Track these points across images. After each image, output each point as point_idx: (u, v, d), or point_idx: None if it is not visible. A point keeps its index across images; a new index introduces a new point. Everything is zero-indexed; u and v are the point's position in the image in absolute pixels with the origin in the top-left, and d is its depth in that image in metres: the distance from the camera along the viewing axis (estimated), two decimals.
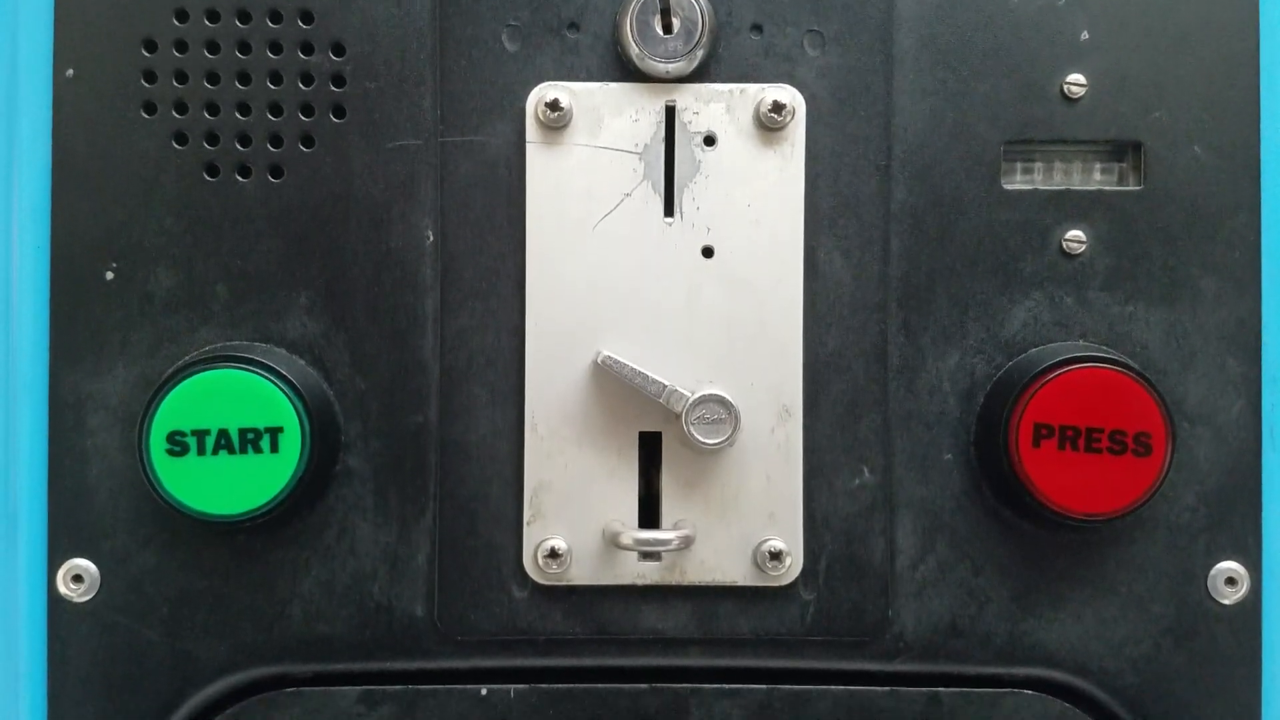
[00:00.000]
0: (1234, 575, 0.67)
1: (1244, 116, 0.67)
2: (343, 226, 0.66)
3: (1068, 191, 0.67)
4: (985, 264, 0.67)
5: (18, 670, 0.66)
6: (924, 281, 0.67)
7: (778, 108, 0.66)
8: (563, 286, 0.66)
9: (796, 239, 0.67)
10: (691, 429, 0.65)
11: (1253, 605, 0.67)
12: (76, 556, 0.66)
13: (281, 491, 0.63)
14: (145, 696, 0.66)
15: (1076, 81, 0.67)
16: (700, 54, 0.66)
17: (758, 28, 0.67)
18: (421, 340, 0.66)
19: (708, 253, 0.66)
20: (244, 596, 0.66)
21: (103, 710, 0.66)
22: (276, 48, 0.66)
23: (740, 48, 0.67)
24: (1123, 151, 0.68)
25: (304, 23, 0.66)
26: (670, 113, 0.67)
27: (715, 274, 0.66)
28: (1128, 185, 0.68)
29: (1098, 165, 0.69)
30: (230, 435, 0.63)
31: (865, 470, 0.67)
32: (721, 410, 0.65)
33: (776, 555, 0.66)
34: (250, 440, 0.63)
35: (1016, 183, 0.68)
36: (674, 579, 0.67)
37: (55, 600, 0.66)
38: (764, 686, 0.67)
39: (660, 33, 0.65)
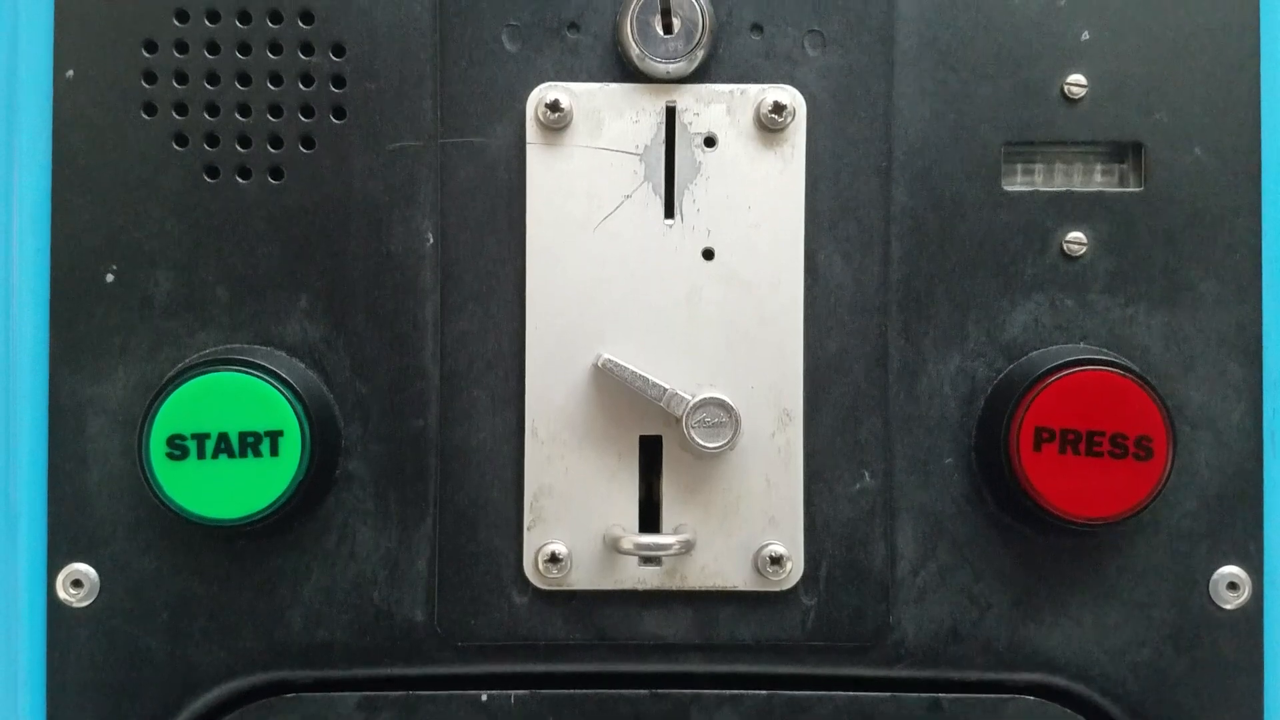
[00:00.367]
0: (1236, 580, 0.67)
1: (1245, 118, 0.67)
2: (343, 229, 0.66)
3: (1068, 193, 0.67)
4: (986, 266, 0.67)
5: (17, 675, 0.66)
6: (924, 284, 0.67)
7: (778, 109, 0.66)
8: (563, 289, 0.66)
9: (797, 241, 0.66)
10: (692, 433, 0.64)
11: (1254, 610, 0.67)
12: (76, 561, 0.66)
13: (281, 496, 0.63)
14: (145, 702, 0.66)
15: (1077, 82, 0.67)
16: (700, 54, 0.66)
17: (758, 28, 0.67)
18: (422, 344, 0.66)
19: (708, 255, 0.66)
20: (244, 601, 0.66)
21: (102, 716, 0.66)
22: (276, 48, 0.66)
23: (741, 48, 0.67)
24: (1123, 153, 0.68)
25: (304, 23, 0.66)
26: (670, 114, 0.66)
27: (716, 276, 0.66)
28: (1128, 187, 0.68)
29: (1098, 167, 0.69)
30: (230, 439, 0.63)
31: (866, 474, 0.67)
32: (722, 414, 0.65)
33: (777, 560, 0.66)
34: (250, 444, 0.63)
35: (1017, 184, 0.68)
36: (674, 584, 0.67)
37: (55, 605, 0.66)
38: (764, 692, 0.67)
39: (660, 33, 0.65)
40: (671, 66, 0.65)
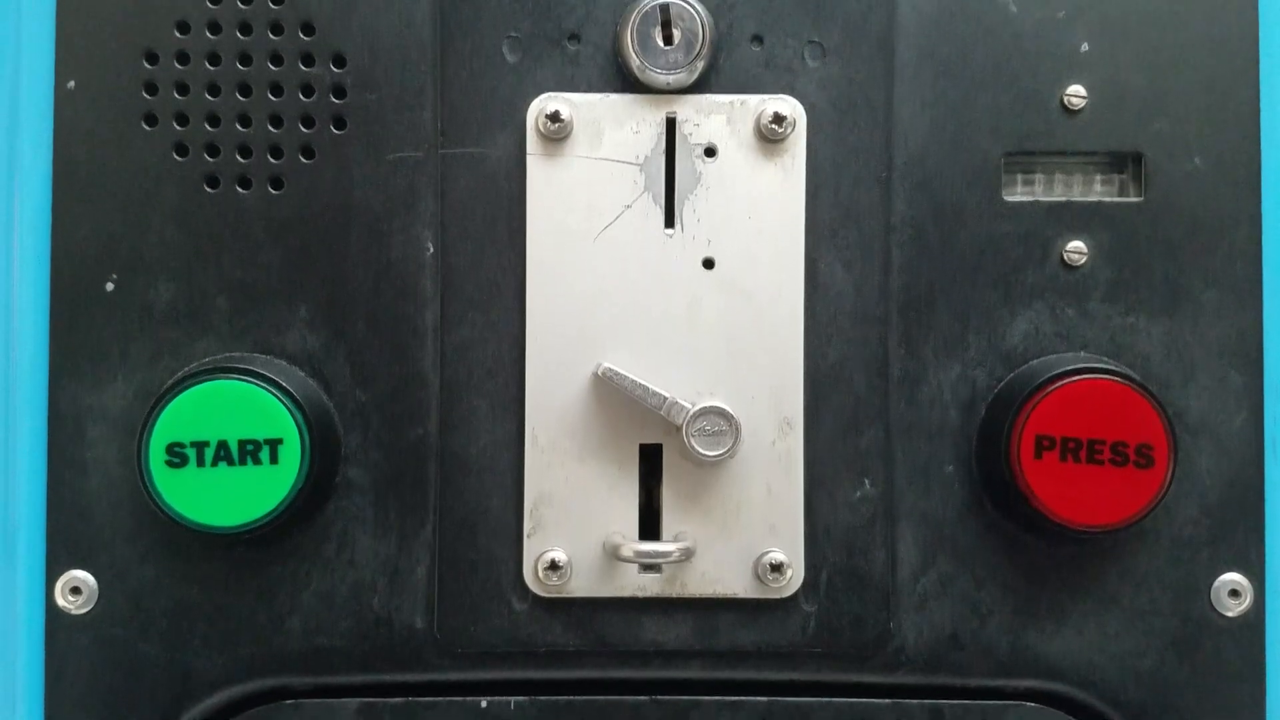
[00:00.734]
0: (1237, 588, 0.67)
1: (1244, 128, 0.67)
2: (343, 238, 0.66)
3: (1068, 203, 0.67)
4: (986, 275, 0.67)
5: (15, 682, 0.66)
6: (925, 293, 0.67)
7: (778, 119, 0.66)
8: (563, 298, 0.66)
9: (797, 250, 0.67)
10: (692, 441, 0.64)
11: (1256, 618, 0.67)
12: (75, 568, 0.66)
13: (281, 503, 0.63)
14: (143, 709, 0.66)
15: (1077, 93, 0.67)
16: (701, 65, 0.66)
17: (758, 39, 0.67)
18: (422, 352, 0.66)
19: (708, 264, 0.66)
20: (243, 608, 0.66)
21: None
22: (277, 59, 0.67)
23: (741, 59, 0.67)
24: (1123, 163, 0.68)
25: (305, 34, 0.66)
26: (671, 124, 0.67)
27: (716, 285, 0.66)
28: (1128, 196, 0.68)
29: (1098, 177, 0.69)
30: (230, 447, 0.63)
31: (866, 482, 0.67)
32: (722, 422, 0.65)
33: (777, 567, 0.66)
34: (250, 452, 0.63)
35: (1017, 194, 0.68)
36: (674, 591, 0.66)
37: (53, 612, 0.66)
38: (765, 699, 0.67)
39: (661, 44, 0.66)
40: (672, 77, 0.66)
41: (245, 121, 0.66)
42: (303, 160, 0.66)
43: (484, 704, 0.66)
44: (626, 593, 0.66)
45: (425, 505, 0.66)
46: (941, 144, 0.67)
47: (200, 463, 0.62)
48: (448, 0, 0.66)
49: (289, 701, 0.66)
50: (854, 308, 0.67)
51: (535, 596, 0.66)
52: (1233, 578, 0.67)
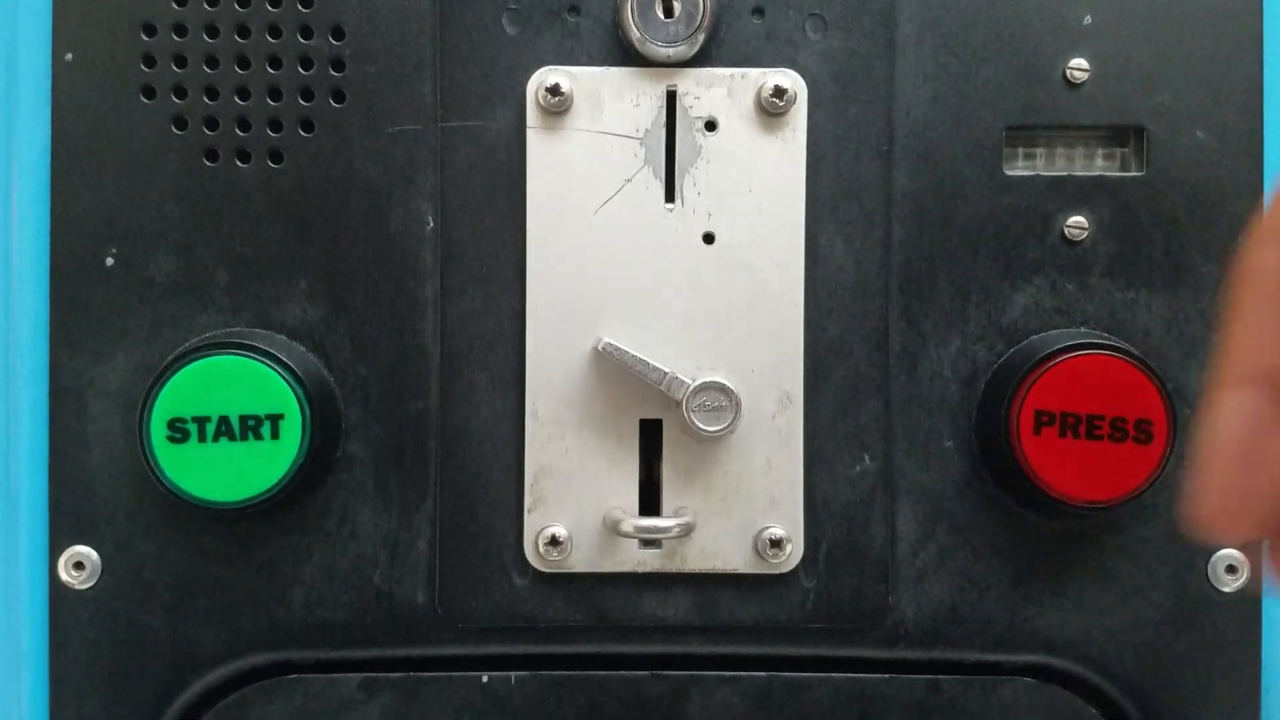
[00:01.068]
0: (1234, 563, 0.67)
1: (1247, 101, 0.67)
2: (343, 212, 0.66)
3: (1070, 177, 0.67)
4: (987, 250, 0.67)
5: (19, 657, 0.66)
6: (925, 267, 0.67)
7: (779, 92, 0.65)
8: (563, 272, 0.66)
9: (798, 224, 0.66)
10: (692, 416, 0.64)
11: (1253, 593, 0.67)
12: (77, 543, 0.66)
13: (282, 478, 0.63)
14: (146, 683, 0.66)
15: (1079, 66, 0.67)
16: (701, 38, 0.66)
17: (759, 11, 0.66)
18: (422, 326, 0.66)
19: (709, 238, 0.66)
20: (245, 583, 0.66)
21: (104, 697, 0.66)
22: (276, 31, 0.66)
23: (742, 32, 0.67)
24: (1125, 136, 0.68)
25: (303, 6, 0.66)
26: (671, 97, 0.66)
27: (716, 260, 0.66)
28: (1130, 171, 0.68)
29: (1100, 150, 0.68)
30: (231, 422, 0.63)
31: (866, 457, 0.67)
32: (722, 397, 0.65)
33: (777, 542, 0.66)
34: (251, 427, 0.63)
35: (1018, 168, 0.68)
36: (674, 566, 0.67)
37: (56, 587, 0.66)
38: (764, 673, 0.67)
39: (661, 16, 0.65)
40: (672, 50, 0.65)
41: (244, 94, 0.66)
42: (302, 133, 0.66)
43: (485, 679, 0.67)
44: (626, 568, 0.67)
45: (426, 479, 0.66)
46: (943, 117, 0.67)
47: (202, 438, 0.62)
48: None
49: (291, 676, 0.66)
50: (854, 282, 0.67)
51: (536, 571, 0.67)
52: (1230, 553, 0.67)
